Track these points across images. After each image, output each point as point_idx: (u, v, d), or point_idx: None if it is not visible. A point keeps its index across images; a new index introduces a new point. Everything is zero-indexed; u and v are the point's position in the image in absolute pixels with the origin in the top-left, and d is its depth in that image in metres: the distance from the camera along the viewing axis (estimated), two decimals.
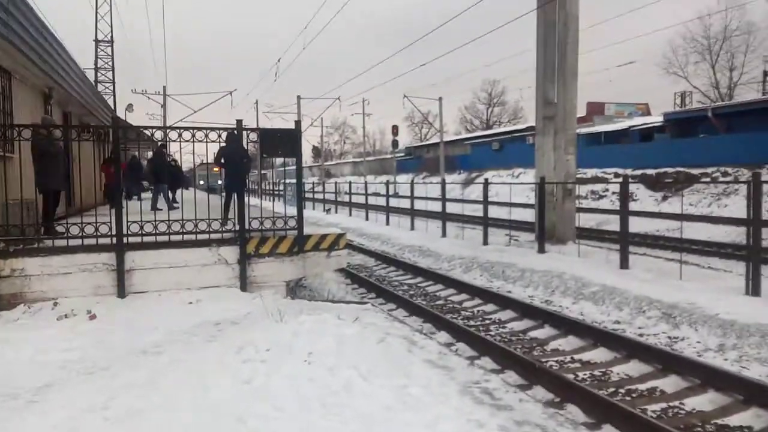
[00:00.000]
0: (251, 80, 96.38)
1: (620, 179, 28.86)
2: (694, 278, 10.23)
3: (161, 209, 11.33)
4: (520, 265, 12.23)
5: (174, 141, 7.46)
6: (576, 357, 6.85)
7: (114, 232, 7.31)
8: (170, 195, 15.61)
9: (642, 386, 5.91)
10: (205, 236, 7.76)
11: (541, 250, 13.56)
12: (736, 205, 22.07)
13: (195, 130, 7.47)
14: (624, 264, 11.27)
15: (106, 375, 4.73)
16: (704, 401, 5.45)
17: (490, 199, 16.35)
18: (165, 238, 7.59)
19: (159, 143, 14.00)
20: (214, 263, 7.73)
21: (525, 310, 8.79)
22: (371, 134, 74.28)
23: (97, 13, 40.61)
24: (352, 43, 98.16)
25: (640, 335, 7.67)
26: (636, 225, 18.65)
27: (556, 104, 15.01)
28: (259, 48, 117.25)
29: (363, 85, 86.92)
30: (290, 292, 8.09)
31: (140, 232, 7.50)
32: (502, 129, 56.61)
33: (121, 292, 7.28)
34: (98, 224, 7.25)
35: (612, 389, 5.81)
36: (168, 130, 7.58)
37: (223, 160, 11.37)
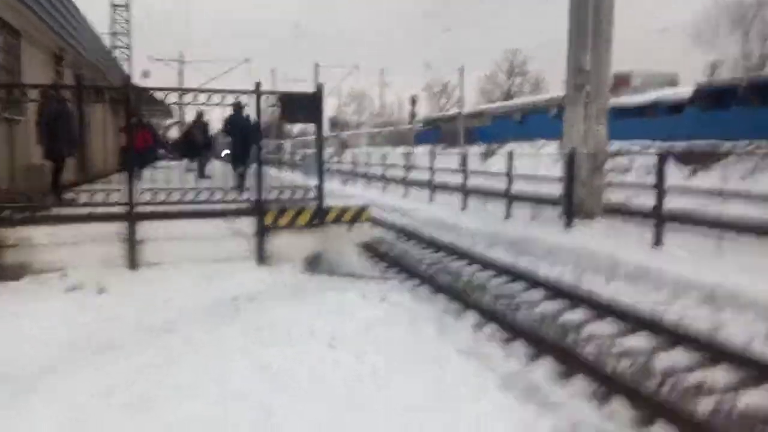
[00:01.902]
0: (270, 47, 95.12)
1: (648, 152, 27.87)
2: (732, 257, 9.67)
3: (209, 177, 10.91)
4: (547, 241, 11.71)
5: (189, 104, 7.02)
6: (616, 344, 6.38)
7: (125, 201, 6.92)
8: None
9: (691, 378, 5.45)
10: (222, 207, 7.35)
11: (569, 226, 13.02)
12: None
13: (211, 93, 7.00)
14: (658, 241, 10.72)
15: (116, 356, 4.37)
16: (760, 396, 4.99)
17: (499, 173, 15.76)
18: (178, 207, 7.20)
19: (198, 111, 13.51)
20: (230, 235, 7.34)
21: (556, 290, 8.32)
22: (389, 105, 73.18)
23: None
24: (371, 13, 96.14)
25: (682, 319, 7.18)
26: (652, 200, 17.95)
27: (588, 72, 14.27)
28: (276, 16, 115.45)
29: (383, 54, 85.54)
30: (309, 266, 7.68)
31: (152, 201, 7.10)
32: (523, 100, 55.31)
33: (133, 264, 6.92)
34: (109, 192, 6.86)
35: (658, 381, 5.36)
36: (182, 93, 7.11)
37: (230, 130, 11.21)
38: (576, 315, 7.39)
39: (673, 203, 18.98)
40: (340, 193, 23.88)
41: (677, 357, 5.97)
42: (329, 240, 7.66)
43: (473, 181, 19.39)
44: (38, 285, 6.38)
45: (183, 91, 7.23)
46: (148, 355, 4.39)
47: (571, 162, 13.66)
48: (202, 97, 7.07)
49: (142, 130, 15.39)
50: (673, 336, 6.32)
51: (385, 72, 46.27)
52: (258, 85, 7.11)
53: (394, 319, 4.82)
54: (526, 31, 75.27)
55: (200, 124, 14.28)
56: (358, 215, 7.76)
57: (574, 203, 13.59)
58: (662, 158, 11.60)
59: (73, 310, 5.49)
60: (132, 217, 6.94)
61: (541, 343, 6.08)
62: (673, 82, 44.35)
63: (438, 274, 9.90)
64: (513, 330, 6.51)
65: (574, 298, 7.92)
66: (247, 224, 7.38)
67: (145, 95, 8.13)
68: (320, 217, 7.53)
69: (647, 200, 18.23)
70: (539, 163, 30.69)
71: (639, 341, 6.42)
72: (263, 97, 7.19)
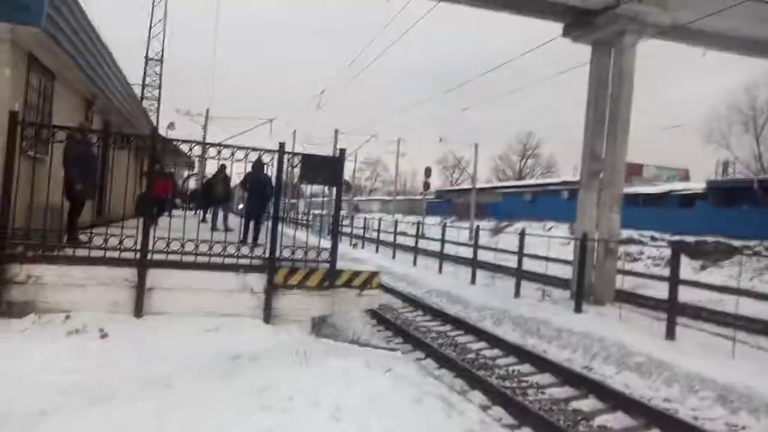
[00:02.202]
0: (291, 110, 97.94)
1: (659, 242, 27.73)
2: (745, 357, 9.41)
3: (224, 229, 10.91)
4: (556, 323, 11.49)
5: (212, 158, 7.11)
6: None
7: (138, 247, 6.89)
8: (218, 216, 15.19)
9: None
10: (233, 260, 7.30)
11: (578, 310, 12.81)
12: None
13: (235, 149, 7.10)
14: (670, 334, 10.48)
15: (108, 407, 4.20)
16: None
17: (508, 250, 15.66)
18: (191, 258, 7.15)
19: (220, 163, 13.68)
20: (238, 290, 7.24)
21: (565, 375, 8.08)
22: (403, 174, 74.17)
23: (150, 30, 41.63)
24: (391, 86, 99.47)
25: (695, 418, 6.91)
26: (663, 291, 17.70)
27: (603, 160, 14.46)
28: (300, 80, 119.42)
29: (399, 125, 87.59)
30: (316, 328, 7.54)
31: (166, 250, 7.07)
32: (535, 181, 55.95)
33: (138, 311, 6.81)
34: (123, 237, 6.85)
35: None
36: (207, 147, 7.22)
37: (248, 186, 11.38)
38: (586, 404, 7.14)
39: (685, 296, 18.79)
40: (349, 256, 23.84)
41: None
42: (338, 303, 7.54)
43: (483, 256, 19.32)
44: (41, 325, 6.27)
45: (208, 145, 7.34)
46: (141, 409, 4.22)
47: (583, 246, 13.61)
48: (226, 152, 7.19)
49: (164, 178, 15.58)
50: None
51: (400, 141, 47.02)
52: (282, 145, 7.22)
53: (399, 393, 4.65)
54: (541, 111, 77.04)
55: (222, 176, 14.42)
56: (369, 281, 7.67)
57: (584, 287, 13.45)
58: (676, 251, 11.55)
59: (73, 354, 5.36)
60: (143, 263, 6.89)
61: None
62: (684, 176, 44.93)
63: (444, 347, 9.67)
64: (522, 416, 6.28)
65: (583, 385, 7.67)
66: (257, 280, 7.30)
67: (170, 146, 8.25)
68: (331, 279, 7.45)
69: (656, 291, 18.09)
70: (548, 244, 30.36)
71: None
72: (285, 157, 7.29)
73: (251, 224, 11.04)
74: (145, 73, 42.07)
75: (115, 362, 5.28)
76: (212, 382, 4.94)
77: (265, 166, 10.26)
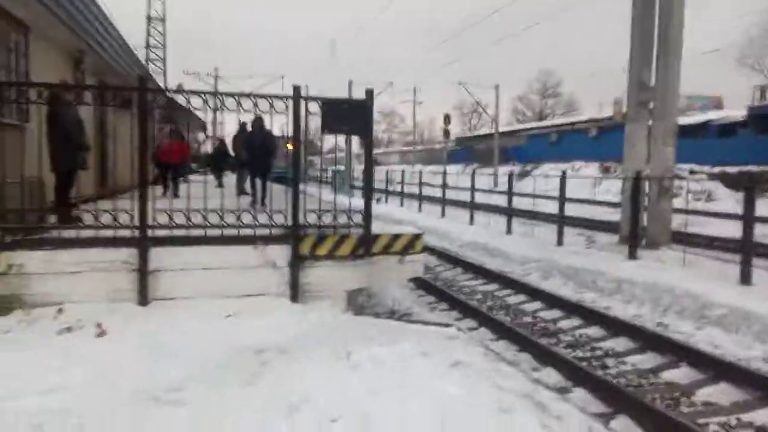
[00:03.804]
0: (302, 66, 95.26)
1: (699, 175, 26.16)
2: None
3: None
4: (612, 273, 10.30)
5: (215, 110, 5.91)
6: (745, 420, 4.97)
7: (137, 223, 5.78)
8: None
9: None
10: (250, 231, 6.18)
11: (633, 256, 11.57)
12: None
13: (240, 97, 5.87)
14: (745, 279, 9.23)
15: None
16: None
17: (546, 194, 14.35)
18: (200, 232, 6.04)
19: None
20: (259, 266, 6.14)
21: (643, 338, 6.93)
22: (420, 123, 72.22)
23: None
24: (404, 34, 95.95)
25: None
26: (715, 228, 16.37)
27: (653, 88, 12.90)
28: (310, 35, 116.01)
29: (413, 73, 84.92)
30: (352, 304, 6.45)
31: (170, 224, 5.97)
32: (559, 120, 53.74)
33: (143, 298, 5.76)
34: (117, 212, 5.74)
35: None
36: (209, 97, 5.98)
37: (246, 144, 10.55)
38: (679, 375, 5.99)
39: (737, 231, 17.15)
40: (373, 213, 22.68)
41: None
42: (376, 274, 6.40)
43: (513, 202, 18.08)
44: (28, 324, 5.25)
45: (209, 94, 6.10)
46: None
47: (636, 185, 12.22)
48: (230, 104, 5.97)
49: (180, 142, 14.37)
50: None
51: (416, 90, 45.17)
52: (297, 89, 5.95)
53: (476, 398, 3.54)
54: (559, 52, 73.85)
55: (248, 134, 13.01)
56: (410, 244, 6.50)
57: (638, 230, 12.16)
58: (750, 188, 10.18)
59: (60, 361, 4.32)
60: (144, 242, 5.79)
61: (655, 418, 4.72)
62: (717, 104, 42.51)
63: (494, 310, 8.56)
64: (613, 400, 5.18)
65: (667, 350, 6.53)
66: (279, 252, 6.18)
67: (175, 103, 7.03)
68: (366, 245, 6.29)
69: (704, 228, 16.64)
70: (578, 185, 28.84)
71: None
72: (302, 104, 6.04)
73: (258, 185, 10.24)
74: (148, 33, 40.38)
75: (112, 370, 4.23)
76: (232, 393, 3.88)
77: (265, 122, 9.51)
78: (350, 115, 6.18)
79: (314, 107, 6.12)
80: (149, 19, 40.71)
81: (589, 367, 5.99)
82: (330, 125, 6.13)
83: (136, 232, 5.81)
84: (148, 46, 40.41)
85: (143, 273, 5.79)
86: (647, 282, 9.53)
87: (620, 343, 7.00)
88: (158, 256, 5.89)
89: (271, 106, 6.04)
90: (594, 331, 7.53)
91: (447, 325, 5.79)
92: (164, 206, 6.06)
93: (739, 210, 21.52)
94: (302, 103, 6.02)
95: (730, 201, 24.73)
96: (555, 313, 8.40)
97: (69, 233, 5.77)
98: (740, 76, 53.62)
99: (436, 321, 6.61)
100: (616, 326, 7.49)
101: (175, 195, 10.17)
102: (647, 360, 6.44)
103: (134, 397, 3.75)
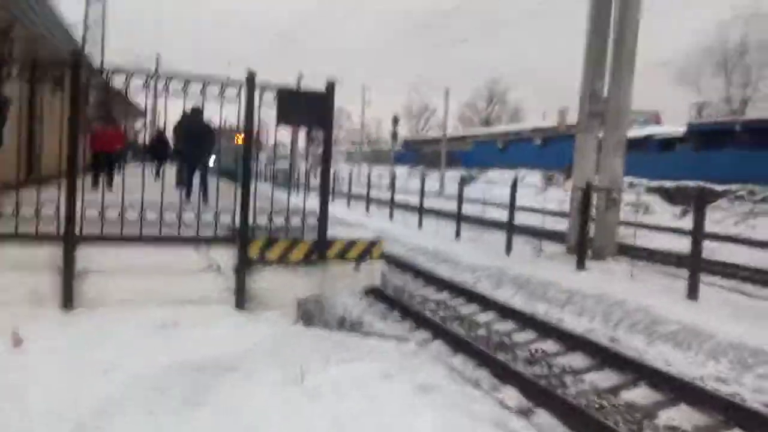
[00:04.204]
0: (252, 55, 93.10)
1: (637, 188, 26.83)
2: None
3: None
4: (562, 284, 10.25)
5: (156, 94, 5.33)
6: None
7: (63, 218, 5.13)
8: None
9: None
10: (192, 231, 5.61)
11: (581, 266, 11.60)
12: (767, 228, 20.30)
13: (188, 81, 5.31)
14: (692, 294, 9.34)
15: None
16: None
17: (492, 200, 14.31)
18: (136, 230, 5.43)
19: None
20: (201, 269, 5.59)
21: (601, 355, 6.79)
22: (367, 123, 71.87)
23: None
24: (355, 30, 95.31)
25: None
26: (657, 242, 16.73)
27: (606, 99, 13.01)
28: (260, 26, 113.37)
29: (364, 70, 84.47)
30: (304, 314, 5.99)
31: (100, 219, 5.33)
32: (505, 128, 54.60)
33: (68, 302, 5.10)
34: (40, 205, 5.07)
35: None
36: (150, 78, 5.38)
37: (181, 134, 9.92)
38: (639, 395, 5.84)
39: (671, 244, 17.41)
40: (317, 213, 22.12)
41: None
42: (330, 281, 5.96)
43: (453, 207, 18.00)
44: None
45: (152, 75, 5.49)
46: None
47: (586, 195, 12.26)
48: (175, 87, 5.40)
49: (115, 129, 13.43)
50: None
51: (365, 89, 44.82)
52: (252, 74, 5.43)
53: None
54: (508, 58, 75.23)
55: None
56: (367, 251, 6.09)
57: (586, 241, 12.20)
58: (700, 200, 10.31)
59: None
60: (70, 239, 5.14)
61: None
62: (657, 120, 44.13)
63: (447, 321, 8.28)
64: (576, 416, 4.95)
65: (625, 367, 6.40)
66: (224, 255, 5.65)
67: (99, 77, 6.35)
68: (321, 250, 5.85)
69: (646, 241, 16.92)
70: (524, 193, 29.17)
71: None
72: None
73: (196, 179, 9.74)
74: (86, 14, 38.15)
75: (25, 391, 3.63)
76: (169, 419, 3.38)
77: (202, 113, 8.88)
78: (309, 107, 5.70)
79: (269, 97, 5.62)
80: None
81: (549, 386, 5.75)
82: (286, 116, 5.65)
83: (62, 227, 5.15)
84: (86, 26, 38.19)
85: (69, 274, 5.13)
86: (597, 294, 9.52)
87: (576, 360, 6.84)
88: (87, 255, 5.24)
89: (221, 93, 5.50)
90: (549, 345, 7.36)
91: (405, 340, 5.42)
92: (96, 198, 5.42)
93: (676, 224, 22.23)
94: (257, 90, 5.51)
95: (666, 215, 25.63)
96: (509, 325, 8.20)
97: None
98: (677, 92, 56.04)
99: (392, 334, 6.23)
100: (571, 340, 7.34)
101: (109, 186, 9.43)
102: (605, 378, 6.28)
103: (50, 423, 3.19)
